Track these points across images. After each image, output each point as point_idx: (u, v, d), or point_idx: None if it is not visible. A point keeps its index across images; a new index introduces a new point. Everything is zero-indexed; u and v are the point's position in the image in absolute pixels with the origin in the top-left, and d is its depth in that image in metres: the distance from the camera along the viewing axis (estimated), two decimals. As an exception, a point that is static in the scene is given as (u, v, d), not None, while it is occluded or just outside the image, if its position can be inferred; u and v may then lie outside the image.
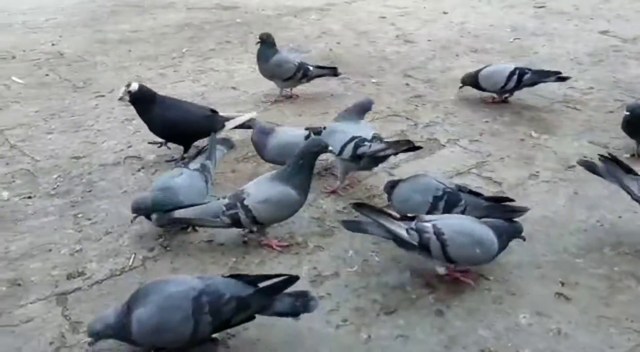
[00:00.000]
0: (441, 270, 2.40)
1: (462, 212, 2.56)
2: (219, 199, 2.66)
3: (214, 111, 3.50)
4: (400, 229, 2.35)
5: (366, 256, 2.63)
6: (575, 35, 5.81)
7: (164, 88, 4.49)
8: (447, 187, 2.63)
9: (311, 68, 4.26)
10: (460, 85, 4.27)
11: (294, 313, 2.09)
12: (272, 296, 2.07)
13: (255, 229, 2.66)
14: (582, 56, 5.18)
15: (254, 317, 2.08)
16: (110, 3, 6.96)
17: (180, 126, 3.33)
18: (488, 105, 4.14)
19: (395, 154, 3.02)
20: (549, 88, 4.47)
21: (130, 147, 3.57)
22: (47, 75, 4.71)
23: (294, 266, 2.56)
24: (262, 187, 2.63)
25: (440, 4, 7.01)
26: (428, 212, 2.57)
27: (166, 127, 3.34)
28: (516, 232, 2.42)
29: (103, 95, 4.34)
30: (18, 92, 4.33)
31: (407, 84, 4.62)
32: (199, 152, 3.00)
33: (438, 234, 2.30)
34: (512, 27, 6.08)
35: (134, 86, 3.27)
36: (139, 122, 3.88)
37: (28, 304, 2.31)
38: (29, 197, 3.02)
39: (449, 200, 2.58)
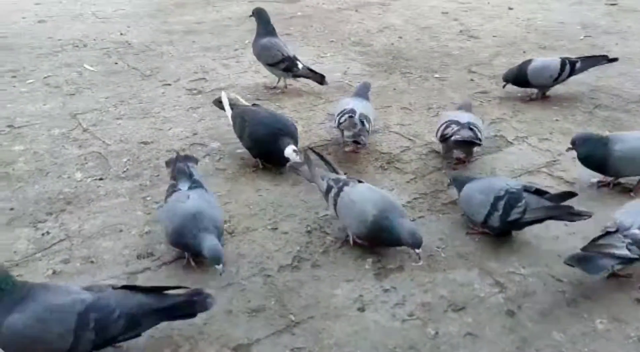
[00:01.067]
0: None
1: (522, 213, 2.48)
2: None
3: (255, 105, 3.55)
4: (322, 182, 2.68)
5: (432, 251, 2.57)
6: (651, 34, 5.53)
7: (227, 79, 4.56)
8: (511, 188, 2.55)
9: (300, 66, 4.13)
10: (504, 83, 4.11)
11: (191, 314, 2.01)
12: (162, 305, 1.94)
13: None
14: (659, 56, 4.93)
15: (140, 335, 1.98)
16: (175, -5, 7.11)
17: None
18: (558, 103, 3.99)
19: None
20: (623, 88, 4.29)
21: (195, 134, 3.63)
22: (116, 63, 4.85)
23: (358, 258, 2.54)
24: None
25: (506, -1, 6.82)
26: (489, 213, 2.53)
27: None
28: None
29: (169, 84, 4.43)
30: (89, 78, 4.48)
31: (471, 80, 4.51)
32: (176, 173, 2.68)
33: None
34: (582, 24, 5.84)
35: (295, 153, 3.03)
36: (203, 110, 3.97)
37: (101, 281, 2.38)
38: (101, 179, 3.11)
39: (509, 200, 2.50)
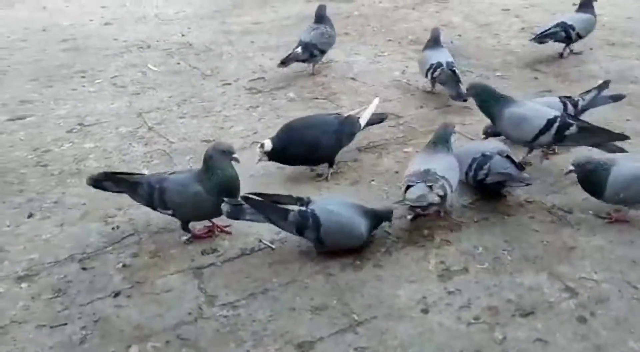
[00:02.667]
0: None
1: (486, 175, 2.76)
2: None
3: (337, 114, 3.35)
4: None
5: (497, 253, 2.51)
6: None
7: (286, 77, 4.60)
8: (485, 151, 2.81)
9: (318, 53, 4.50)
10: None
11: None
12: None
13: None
14: None
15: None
16: (233, -4, 7.24)
17: (324, 145, 3.09)
18: (632, 101, 3.79)
19: None
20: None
21: (255, 133, 3.68)
22: (178, 63, 4.99)
23: (421, 259, 2.50)
24: None
25: (570, -5, 6.57)
26: (465, 172, 2.82)
27: (313, 153, 3.09)
28: (386, 217, 2.60)
29: (229, 83, 4.51)
30: (153, 78, 4.62)
31: (535, 78, 4.38)
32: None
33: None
34: (655, 19, 5.56)
35: (267, 146, 3.00)
36: (263, 109, 4.03)
37: (168, 274, 2.45)
38: (166, 176, 3.19)
39: (479, 162, 2.78)
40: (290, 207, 2.49)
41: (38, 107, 4.18)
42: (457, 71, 3.99)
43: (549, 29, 4.60)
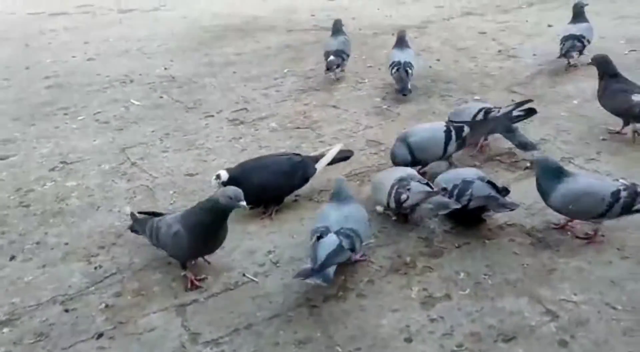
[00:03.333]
0: None
1: (469, 200, 2.79)
2: None
3: (297, 154, 3.32)
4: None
5: (478, 278, 2.54)
6: (700, 45, 5.35)
7: (268, 107, 4.65)
8: (466, 178, 2.88)
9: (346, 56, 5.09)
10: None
11: None
12: None
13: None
14: None
15: None
16: (216, 28, 7.33)
17: (272, 187, 3.09)
18: (606, 120, 3.86)
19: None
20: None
21: (238, 165, 3.70)
22: (161, 97, 5.03)
23: (403, 287, 2.52)
24: None
25: (544, 16, 6.74)
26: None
27: (262, 193, 3.07)
28: None
29: (212, 115, 4.55)
30: (136, 113, 4.65)
31: (512, 100, 4.44)
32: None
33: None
34: (627, 39, 5.70)
35: (224, 176, 3.01)
36: (246, 140, 4.07)
37: (151, 313, 2.44)
38: (149, 212, 3.20)
39: (460, 188, 2.83)
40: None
41: (21, 146, 4.19)
42: (409, 71, 4.58)
43: (565, 44, 4.87)
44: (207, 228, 2.50)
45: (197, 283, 2.59)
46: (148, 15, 8.36)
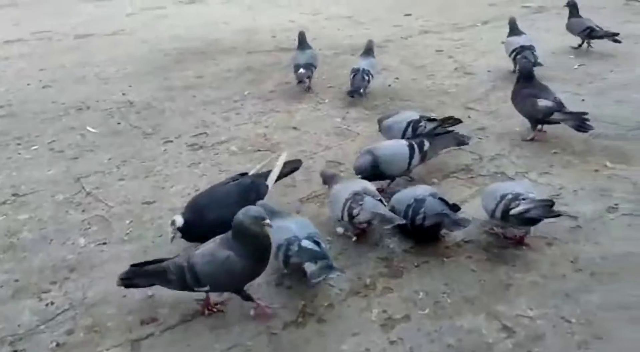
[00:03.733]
0: None
1: (423, 219, 2.84)
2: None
3: (244, 174, 3.25)
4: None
5: (437, 297, 2.55)
6: (646, 59, 5.57)
7: (228, 131, 4.63)
8: (418, 196, 2.92)
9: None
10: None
11: None
12: None
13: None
14: (656, 79, 4.95)
15: None
16: (175, 51, 7.28)
17: (228, 220, 2.60)
18: (556, 135, 3.97)
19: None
20: (621, 115, 4.29)
21: (197, 190, 3.65)
22: (118, 123, 4.94)
23: (363, 309, 2.51)
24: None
25: (498, 34, 6.89)
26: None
27: (220, 228, 2.70)
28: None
29: (171, 141, 4.49)
30: (93, 140, 4.55)
31: (469, 117, 4.54)
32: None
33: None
34: (576, 53, 5.90)
35: (179, 221, 2.84)
36: (205, 165, 4.02)
37: (104, 350, 2.37)
38: (104, 244, 3.13)
39: (414, 208, 2.88)
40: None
41: (-29, 179, 4.05)
42: (366, 78, 4.96)
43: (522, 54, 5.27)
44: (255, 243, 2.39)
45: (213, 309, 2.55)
46: (106, 40, 8.24)
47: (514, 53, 5.29)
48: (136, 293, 2.69)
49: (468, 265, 2.74)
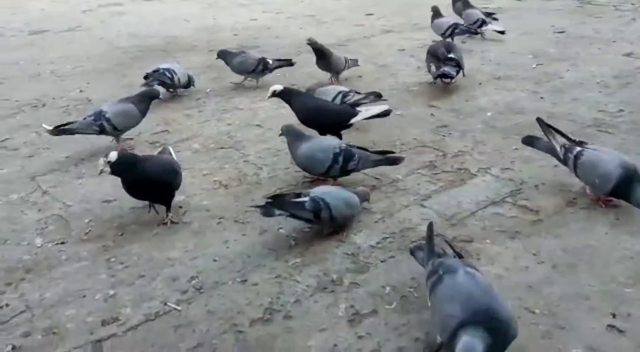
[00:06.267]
0: None
1: (357, 164, 3.34)
2: None
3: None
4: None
5: (404, 291, 2.55)
6: (599, 58, 5.77)
7: (190, 128, 4.54)
8: (341, 145, 3.34)
9: (270, 61, 5.46)
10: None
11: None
12: None
13: None
14: (609, 79, 5.13)
15: None
16: (134, 49, 7.13)
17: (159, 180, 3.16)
18: (517, 132, 4.05)
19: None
20: (578, 112, 4.42)
21: (159, 188, 3.56)
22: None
23: (331, 305, 2.49)
24: None
25: (458, 34, 7.03)
26: (330, 166, 3.31)
27: (144, 189, 3.15)
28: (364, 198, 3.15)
29: (131, 139, 4.39)
30: (49, 139, 4.39)
31: (432, 114, 4.59)
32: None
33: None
34: (534, 53, 6.06)
35: (112, 156, 2.98)
36: (167, 163, 3.92)
37: (64, 352, 2.28)
38: (62, 243, 3.02)
39: (345, 155, 3.31)
40: (301, 199, 2.92)
41: None
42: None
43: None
44: None
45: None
46: (61, 37, 8.02)
47: (450, 29, 6.27)
48: (96, 293, 2.60)
49: (434, 259, 2.75)
